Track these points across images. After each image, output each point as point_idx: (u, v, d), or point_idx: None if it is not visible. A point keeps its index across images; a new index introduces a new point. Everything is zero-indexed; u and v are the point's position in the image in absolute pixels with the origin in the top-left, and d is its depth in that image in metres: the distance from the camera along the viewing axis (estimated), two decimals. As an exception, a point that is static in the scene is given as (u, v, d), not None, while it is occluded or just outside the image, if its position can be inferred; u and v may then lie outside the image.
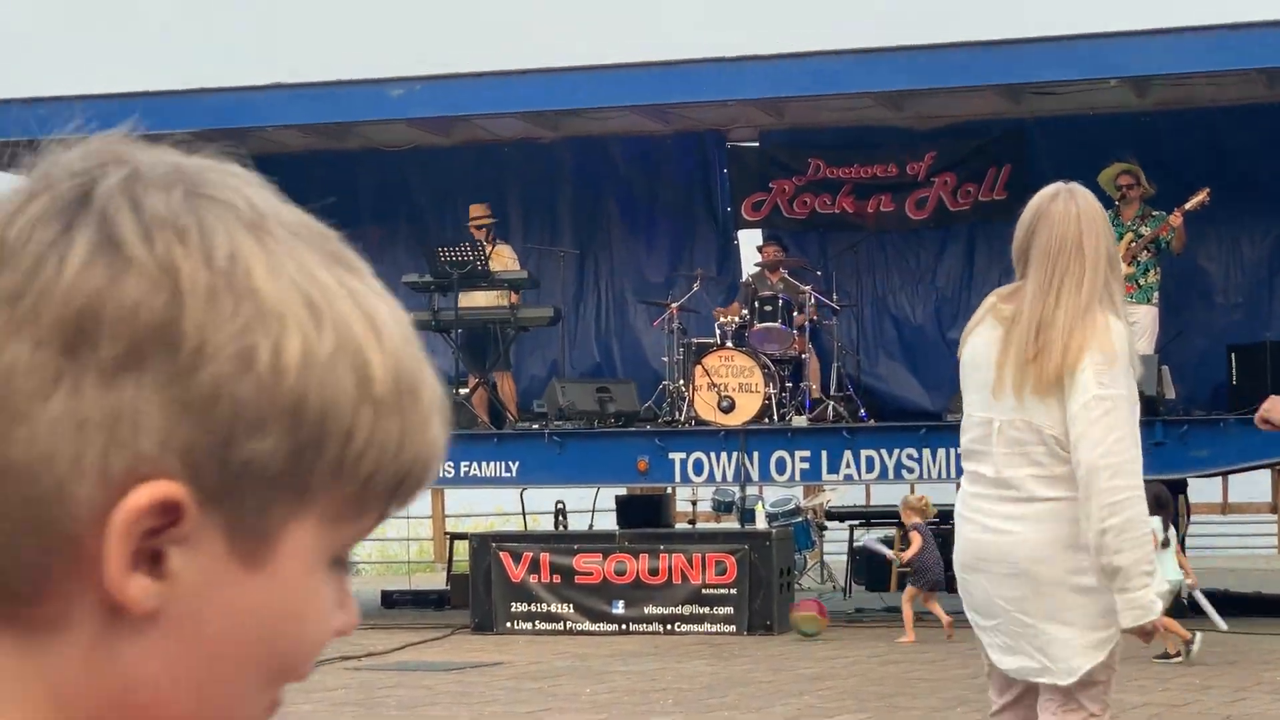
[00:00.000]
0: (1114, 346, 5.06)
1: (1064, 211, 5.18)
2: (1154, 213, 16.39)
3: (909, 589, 14.76)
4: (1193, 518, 18.48)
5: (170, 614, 0.92)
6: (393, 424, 0.95)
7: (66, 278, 0.90)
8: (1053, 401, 5.09)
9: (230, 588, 0.93)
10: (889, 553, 16.63)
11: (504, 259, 17.81)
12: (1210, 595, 16.50)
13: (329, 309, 0.94)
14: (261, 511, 0.93)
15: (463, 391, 17.31)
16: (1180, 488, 16.60)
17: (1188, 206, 16.12)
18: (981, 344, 5.24)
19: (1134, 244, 16.29)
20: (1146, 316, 16.30)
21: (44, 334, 0.90)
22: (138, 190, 0.93)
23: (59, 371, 0.89)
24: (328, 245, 0.99)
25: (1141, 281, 16.33)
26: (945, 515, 18.78)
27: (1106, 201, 16.45)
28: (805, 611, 14.80)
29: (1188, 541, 17.45)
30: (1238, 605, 16.14)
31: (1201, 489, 20.98)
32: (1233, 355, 16.37)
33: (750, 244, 19.43)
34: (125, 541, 0.90)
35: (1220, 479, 21.18)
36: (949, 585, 16.73)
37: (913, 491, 20.92)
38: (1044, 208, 5.23)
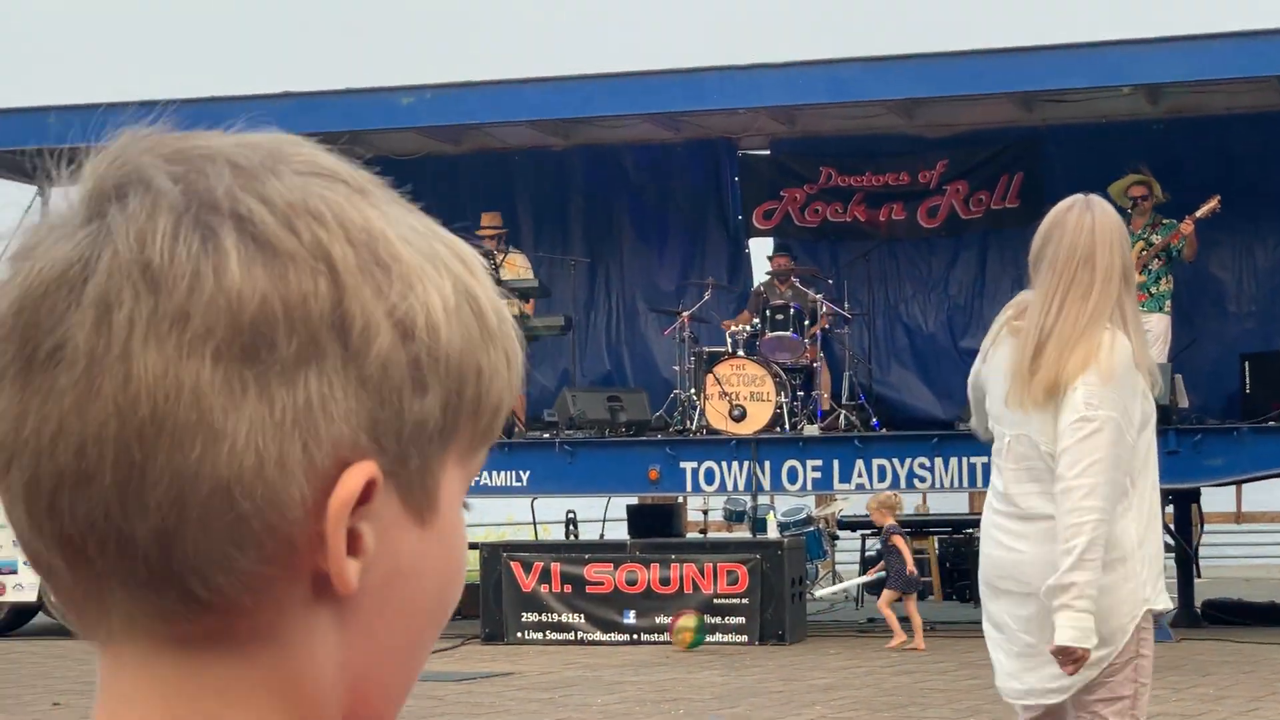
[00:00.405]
0: (1112, 366, 4.99)
1: (1078, 223, 5.14)
2: (1164, 220, 16.34)
3: (885, 593, 14.80)
4: (1206, 527, 18.40)
5: (365, 589, 0.93)
6: (499, 351, 0.97)
7: (230, 287, 0.89)
8: (1048, 416, 5.05)
9: (410, 550, 0.95)
10: (855, 585, 16.63)
11: (516, 267, 17.78)
12: (1223, 605, 16.47)
13: (439, 253, 0.96)
14: (425, 468, 0.94)
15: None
16: (1194, 497, 16.55)
17: (1199, 214, 16.07)
18: (1000, 358, 5.20)
19: (1145, 252, 16.24)
20: (1159, 324, 16.25)
21: (221, 347, 0.89)
22: (254, 184, 0.93)
23: (244, 380, 0.89)
24: (390, 191, 1.00)
25: (1153, 290, 16.28)
26: (957, 525, 18.78)
27: (1119, 211, 16.42)
28: (685, 619, 14.79)
29: (1201, 551, 17.40)
30: (1251, 615, 16.09)
31: (1215, 498, 20.93)
32: (1246, 364, 16.31)
33: (761, 252, 19.41)
34: (341, 530, 0.91)
35: (1234, 488, 21.13)
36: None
37: (924, 501, 20.90)
38: (1060, 218, 5.20)
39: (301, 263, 0.91)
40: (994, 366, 5.24)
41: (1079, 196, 5.27)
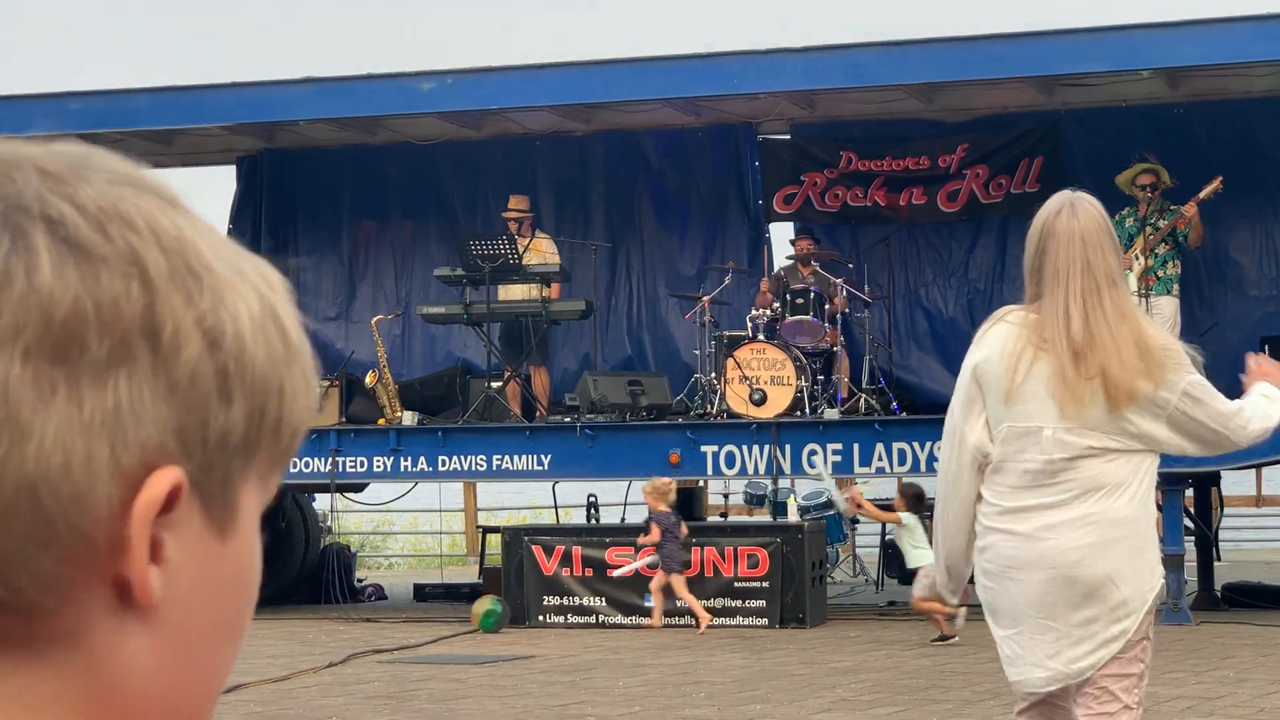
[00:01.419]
0: (1176, 342, 5.37)
1: (1068, 230, 5.29)
2: (1170, 206, 16.34)
3: (658, 576, 14.91)
4: (1226, 510, 18.41)
5: (170, 600, 0.93)
6: (300, 371, 0.98)
7: (42, 287, 0.89)
8: (1120, 418, 5.25)
9: (211, 563, 0.95)
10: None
11: (542, 251, 17.81)
12: (1243, 588, 16.48)
13: (243, 271, 0.96)
14: (227, 481, 0.94)
15: (495, 385, 17.32)
16: (1214, 480, 16.56)
17: (1201, 196, 16.07)
18: (1043, 367, 5.28)
19: (1151, 236, 16.25)
20: (1168, 307, 16.27)
21: (30, 346, 0.89)
22: (65, 188, 0.92)
23: (53, 380, 0.89)
24: (179, 205, 0.98)
25: (1161, 273, 16.29)
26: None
27: (1126, 200, 16.41)
28: (481, 602, 14.90)
29: (1221, 535, 17.42)
30: (1271, 598, 16.10)
31: (1235, 481, 20.92)
32: (1266, 347, 16.29)
33: (782, 237, 19.41)
34: (145, 534, 0.91)
35: (1254, 471, 21.11)
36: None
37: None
38: (1050, 227, 5.32)
39: (114, 266, 0.90)
40: (998, 364, 5.35)
41: (1064, 198, 5.40)
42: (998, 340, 5.33)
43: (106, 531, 0.90)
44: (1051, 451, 5.22)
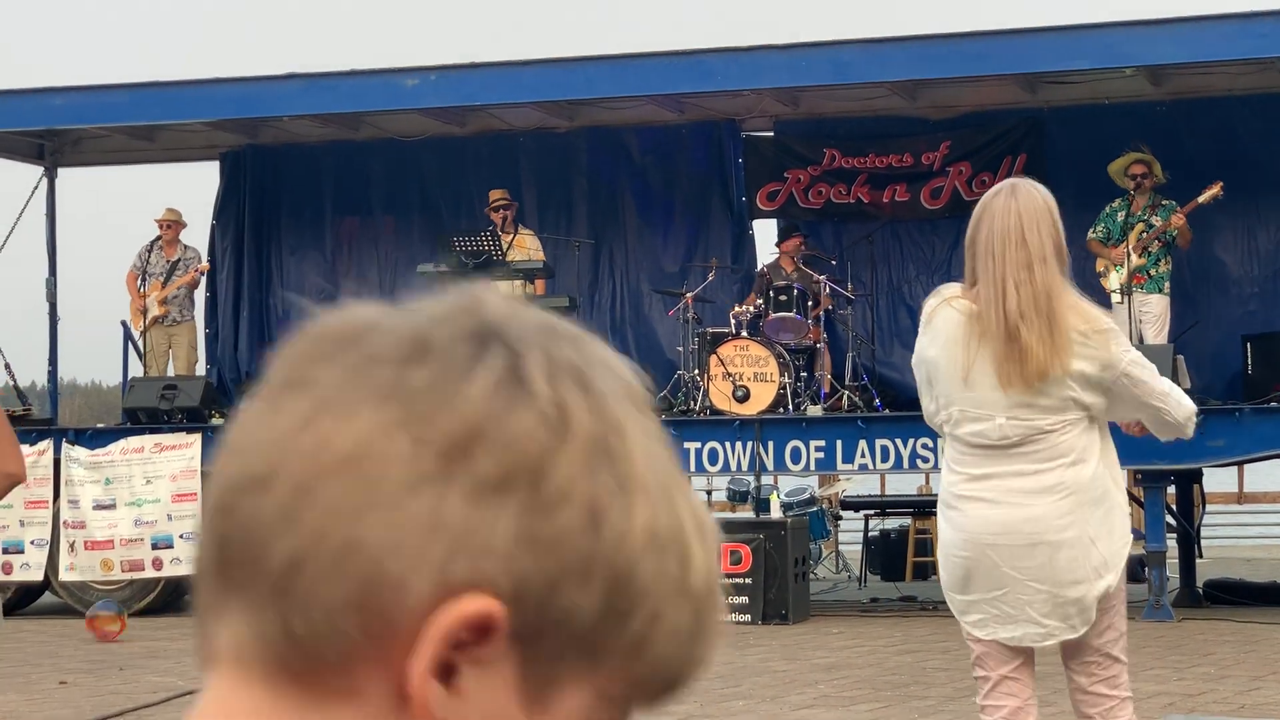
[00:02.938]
0: (1106, 318, 5.50)
1: (1005, 208, 5.40)
2: (1164, 201, 16.37)
3: None
4: (1208, 507, 18.45)
5: None
6: (692, 620, 0.98)
7: (469, 394, 0.94)
8: (1058, 389, 5.37)
9: None
10: None
11: (526, 248, 17.81)
12: (1225, 585, 16.51)
13: (675, 496, 0.99)
14: (556, 662, 0.95)
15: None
16: (1195, 477, 16.59)
17: (1201, 199, 16.09)
18: (987, 352, 5.46)
19: (1145, 235, 16.28)
20: (1158, 305, 16.30)
21: (429, 435, 0.94)
22: (551, 339, 0.98)
23: (431, 474, 0.93)
24: (659, 427, 1.03)
25: (1153, 271, 16.32)
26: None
27: (1115, 193, 16.45)
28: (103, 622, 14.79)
29: (1202, 531, 17.45)
30: (1253, 595, 16.14)
31: (1217, 479, 20.97)
32: (1248, 345, 16.35)
33: (765, 233, 19.43)
34: (440, 643, 0.93)
35: (1236, 469, 21.15)
36: None
37: (927, 482, 20.93)
38: (988, 204, 5.47)
39: (539, 408, 0.95)
40: (946, 351, 5.48)
41: (1006, 182, 5.55)
42: (944, 331, 5.48)
43: (409, 625, 0.93)
44: (1008, 433, 5.37)
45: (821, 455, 16.10)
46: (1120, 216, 16.29)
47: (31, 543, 16.83)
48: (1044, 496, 5.35)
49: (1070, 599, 5.38)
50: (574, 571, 0.94)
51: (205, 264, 19.48)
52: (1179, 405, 5.65)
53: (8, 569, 16.87)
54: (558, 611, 0.94)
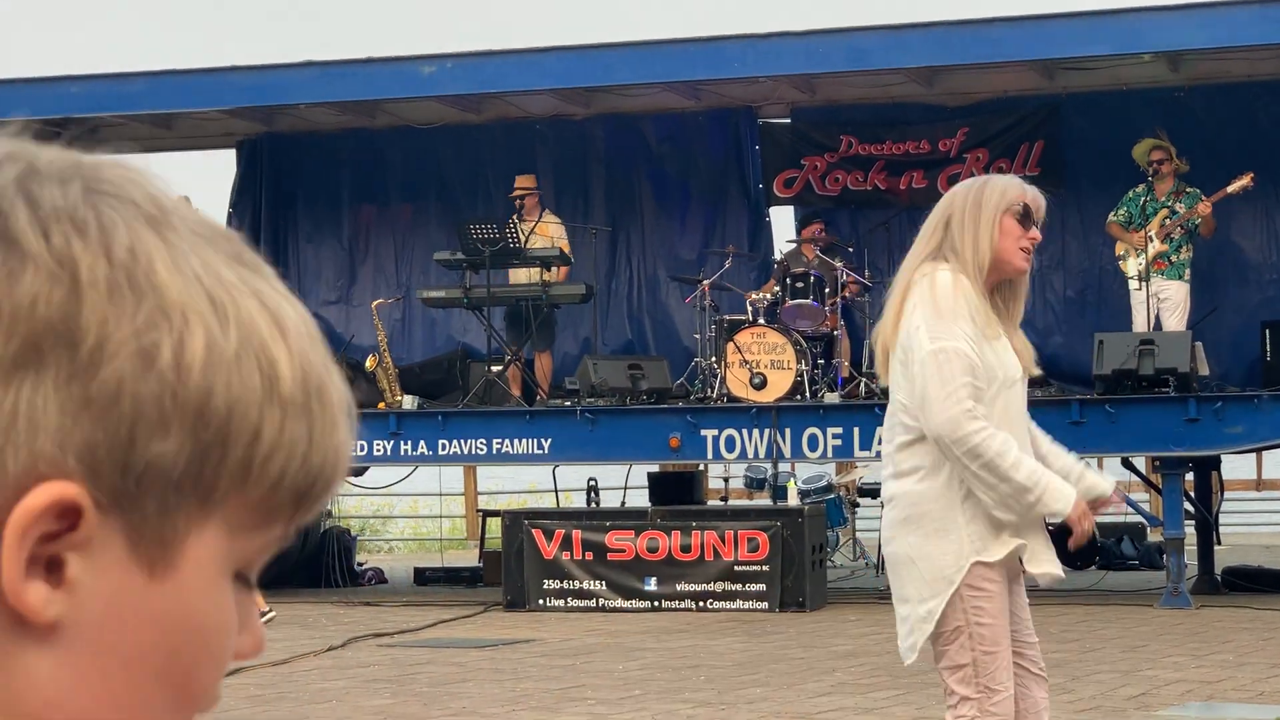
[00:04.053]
0: (936, 299, 5.28)
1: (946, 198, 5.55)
2: (1188, 189, 16.32)
3: None
4: (1226, 494, 18.42)
5: (73, 623, 0.89)
6: (300, 425, 0.92)
7: None
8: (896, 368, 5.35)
9: (132, 596, 0.89)
10: None
11: (549, 234, 17.80)
12: (1243, 572, 16.48)
13: (233, 306, 0.91)
14: (164, 516, 0.89)
15: (496, 368, 17.32)
16: (1214, 464, 16.56)
17: (1230, 190, 16.05)
18: None
19: (1168, 221, 16.23)
20: (1178, 293, 16.26)
21: None
22: (33, 185, 0.90)
23: None
24: (231, 245, 0.94)
25: (1174, 258, 16.28)
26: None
27: (1140, 176, 16.42)
28: None
29: (1221, 519, 17.41)
30: (1271, 582, 16.11)
31: (1235, 465, 20.93)
32: (1267, 331, 16.30)
33: (782, 220, 19.41)
34: (21, 545, 0.86)
35: (1254, 455, 21.11)
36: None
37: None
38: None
39: (42, 266, 0.87)
40: None
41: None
42: None
43: None
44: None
45: (839, 442, 16.09)
46: (1143, 201, 16.24)
47: None
48: (887, 507, 5.36)
49: (900, 616, 5.31)
50: (145, 420, 0.87)
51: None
52: (929, 419, 5.19)
53: None
54: (144, 466, 0.88)
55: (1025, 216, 5.33)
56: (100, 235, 0.89)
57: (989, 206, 5.30)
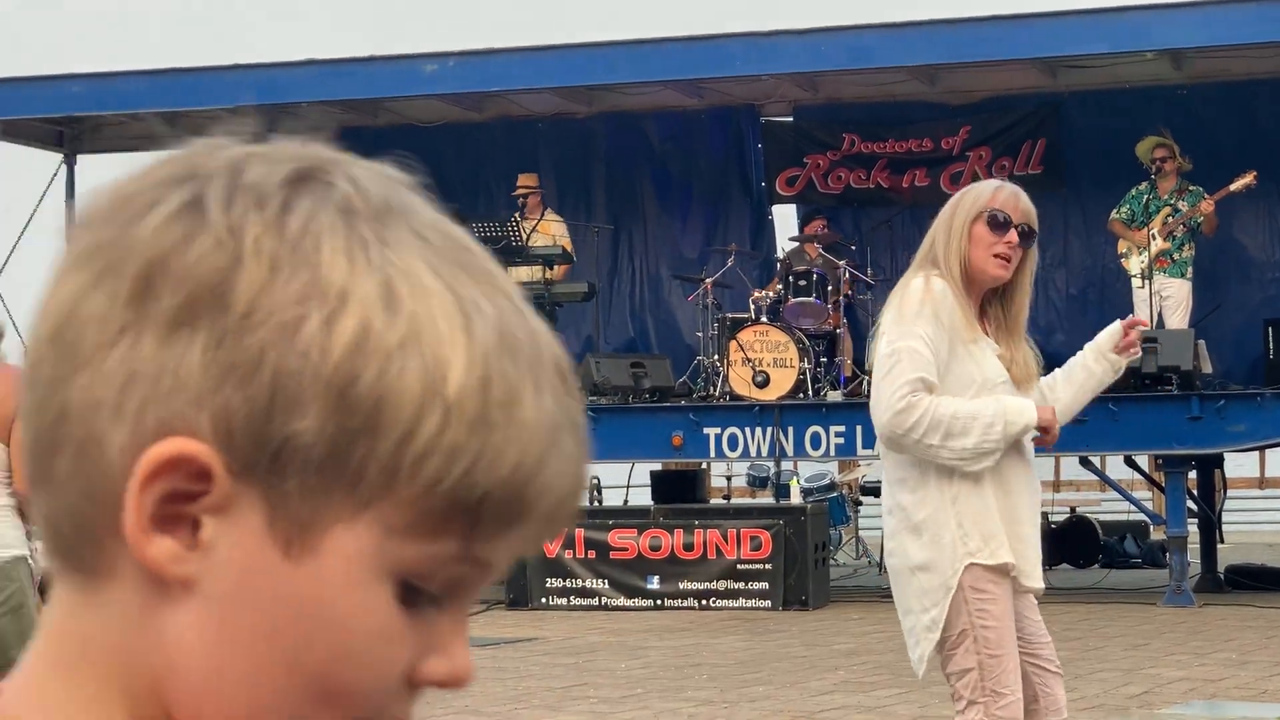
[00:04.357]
0: (902, 304, 5.21)
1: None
2: (1191, 187, 16.32)
3: None
4: (1229, 492, 18.41)
5: (206, 587, 0.90)
6: (469, 434, 0.89)
7: (143, 233, 0.90)
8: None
9: (267, 571, 0.90)
10: None
11: (550, 233, 17.80)
12: (1246, 570, 16.48)
13: (413, 302, 0.90)
14: (306, 498, 0.89)
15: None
16: (1217, 462, 16.56)
17: (1233, 188, 16.04)
18: None
19: (1170, 219, 16.23)
20: (1180, 291, 16.26)
21: (119, 286, 0.90)
22: (244, 163, 0.93)
23: (124, 323, 0.89)
24: (458, 253, 0.94)
25: (1176, 256, 16.27)
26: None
27: (1143, 174, 16.42)
28: None
29: (1224, 517, 17.42)
30: (1274, 580, 16.10)
31: (1238, 463, 20.94)
32: (1270, 329, 16.30)
33: (784, 219, 19.42)
34: (145, 494, 0.88)
35: (1257, 453, 21.11)
36: None
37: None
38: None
39: (214, 232, 0.90)
40: None
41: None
42: None
43: (119, 485, 0.89)
44: None
45: (841, 441, 16.09)
46: (1145, 199, 16.24)
47: None
48: (885, 517, 5.39)
49: (906, 628, 5.33)
50: (283, 393, 0.87)
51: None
52: (875, 420, 5.25)
53: None
54: (281, 440, 0.88)
55: (996, 222, 5.22)
56: (279, 212, 0.91)
57: (959, 215, 5.26)
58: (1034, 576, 5.28)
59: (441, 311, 0.90)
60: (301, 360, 0.88)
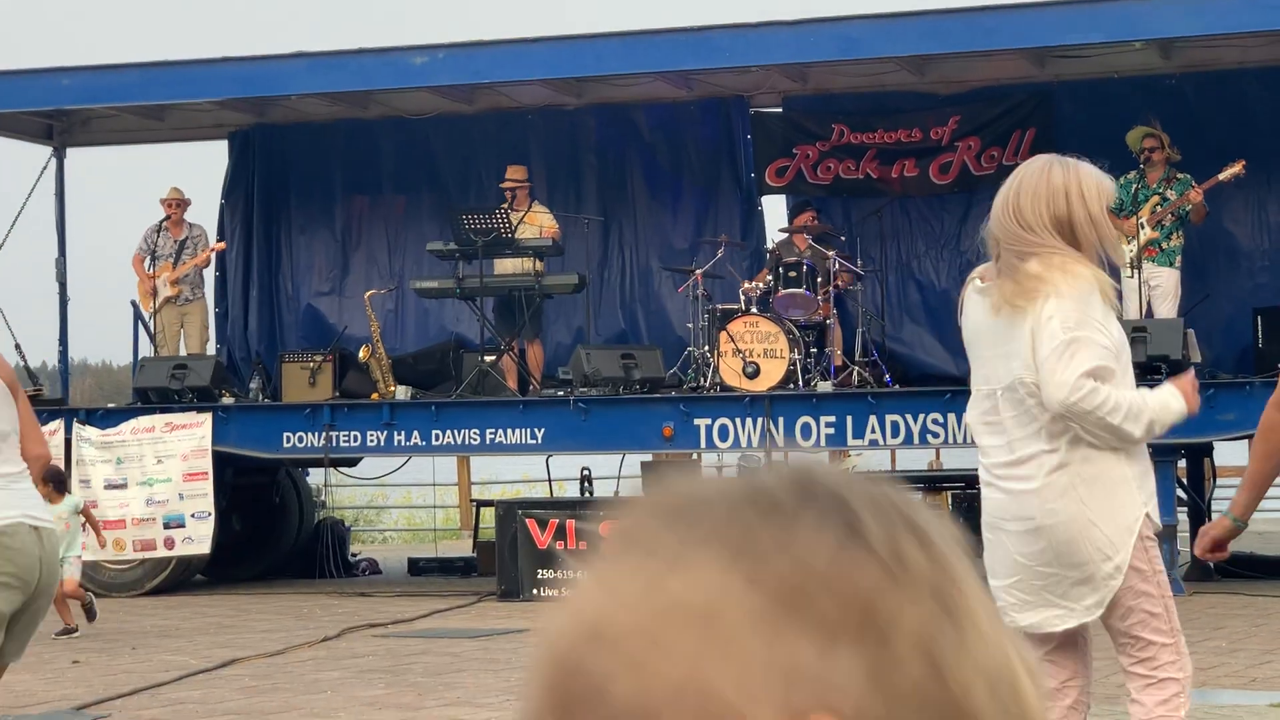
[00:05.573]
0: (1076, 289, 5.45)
1: (1078, 189, 5.76)
2: (1179, 176, 16.34)
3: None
4: (1218, 481, 18.45)
5: None
6: None
7: (801, 538, 0.95)
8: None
9: None
10: None
11: (537, 223, 17.78)
12: (1236, 558, 16.51)
13: (986, 624, 0.97)
14: None
15: (489, 358, 17.33)
16: (1206, 451, 16.58)
17: (1221, 177, 16.06)
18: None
19: (1159, 208, 16.25)
20: (1169, 280, 16.28)
21: (763, 576, 0.94)
22: (872, 486, 0.98)
23: (769, 614, 0.94)
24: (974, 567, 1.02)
25: (1165, 245, 16.30)
26: (970, 480, 18.78)
27: (1132, 163, 16.43)
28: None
29: (1213, 505, 17.44)
30: (1264, 568, 16.14)
31: (1228, 452, 20.96)
32: (1259, 318, 16.33)
33: (774, 209, 19.43)
34: None
35: (1246, 442, 21.09)
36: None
37: (938, 457, 20.94)
38: (1067, 182, 5.81)
39: (878, 553, 0.95)
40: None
41: (1055, 159, 5.66)
42: None
43: None
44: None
45: (832, 431, 16.11)
46: (1134, 188, 16.26)
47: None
48: (1034, 479, 5.40)
49: (1071, 581, 5.34)
50: (913, 710, 0.93)
51: (221, 243, 19.50)
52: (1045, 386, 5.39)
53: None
54: None
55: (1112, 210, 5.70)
56: (932, 545, 0.97)
57: (1096, 203, 5.71)
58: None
59: (1009, 644, 0.98)
60: (944, 692, 0.94)
